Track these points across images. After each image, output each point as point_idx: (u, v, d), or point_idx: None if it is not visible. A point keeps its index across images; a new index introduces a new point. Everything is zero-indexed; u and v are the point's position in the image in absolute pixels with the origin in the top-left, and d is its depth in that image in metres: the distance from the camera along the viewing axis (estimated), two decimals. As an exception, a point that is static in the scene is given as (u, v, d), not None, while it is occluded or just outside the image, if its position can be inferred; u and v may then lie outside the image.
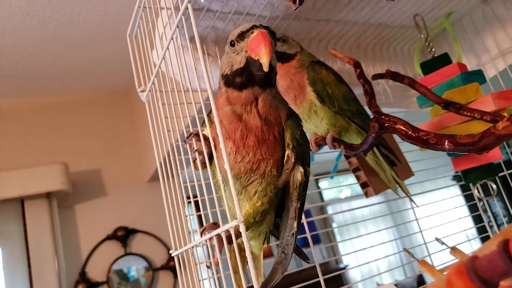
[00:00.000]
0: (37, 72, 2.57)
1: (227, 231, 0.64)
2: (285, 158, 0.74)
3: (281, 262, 0.74)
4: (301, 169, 0.74)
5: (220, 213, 0.67)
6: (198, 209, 0.88)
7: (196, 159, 0.75)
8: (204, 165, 0.74)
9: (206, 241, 0.70)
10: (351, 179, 4.92)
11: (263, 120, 0.72)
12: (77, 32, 2.23)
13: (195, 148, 0.75)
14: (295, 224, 0.74)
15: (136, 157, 3.05)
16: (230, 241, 0.66)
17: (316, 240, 4.83)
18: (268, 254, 3.82)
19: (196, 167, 0.76)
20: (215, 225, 0.73)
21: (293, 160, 0.73)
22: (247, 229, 0.70)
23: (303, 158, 0.74)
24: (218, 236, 0.67)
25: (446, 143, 0.69)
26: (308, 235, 1.13)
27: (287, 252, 0.74)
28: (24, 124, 2.84)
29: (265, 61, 0.66)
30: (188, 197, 0.90)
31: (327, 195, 5.72)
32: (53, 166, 2.54)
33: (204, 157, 0.73)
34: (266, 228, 0.77)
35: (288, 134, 0.74)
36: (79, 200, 2.84)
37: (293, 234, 0.74)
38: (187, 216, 0.87)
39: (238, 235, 0.63)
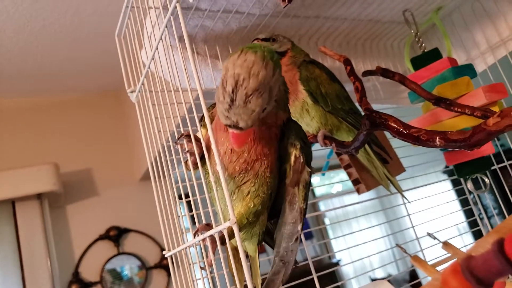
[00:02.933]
0: (24, 73, 2.54)
1: (220, 231, 0.64)
2: (292, 159, 0.73)
3: (278, 272, 0.72)
4: (307, 169, 0.73)
5: (213, 214, 0.66)
6: (190, 209, 0.87)
7: (187, 160, 0.75)
8: (195, 166, 0.73)
9: (199, 241, 0.70)
10: (342, 174, 4.93)
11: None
12: (65, 32, 2.20)
13: (187, 149, 0.74)
14: (299, 227, 0.72)
15: (127, 156, 3.03)
16: (223, 242, 0.65)
17: (309, 235, 4.84)
18: (261, 251, 3.82)
19: (187, 168, 0.75)
20: (208, 226, 0.72)
21: (301, 161, 0.72)
22: (240, 230, 0.69)
23: (307, 158, 0.74)
24: (211, 237, 0.66)
25: (437, 139, 0.69)
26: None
27: (287, 259, 0.72)
28: (13, 124, 2.80)
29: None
30: (180, 197, 0.89)
31: (319, 191, 5.74)
32: (44, 166, 2.51)
33: (195, 158, 0.73)
34: (259, 229, 0.76)
35: (293, 135, 0.73)
36: (71, 200, 2.81)
37: (296, 238, 0.72)
38: (179, 216, 0.86)
39: (232, 235, 0.62)
